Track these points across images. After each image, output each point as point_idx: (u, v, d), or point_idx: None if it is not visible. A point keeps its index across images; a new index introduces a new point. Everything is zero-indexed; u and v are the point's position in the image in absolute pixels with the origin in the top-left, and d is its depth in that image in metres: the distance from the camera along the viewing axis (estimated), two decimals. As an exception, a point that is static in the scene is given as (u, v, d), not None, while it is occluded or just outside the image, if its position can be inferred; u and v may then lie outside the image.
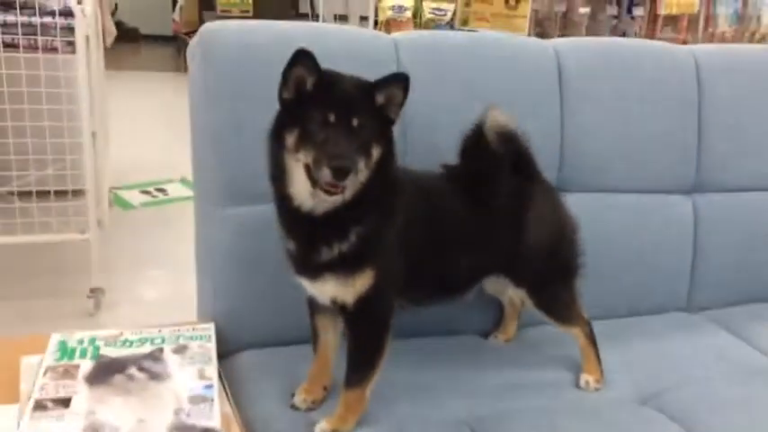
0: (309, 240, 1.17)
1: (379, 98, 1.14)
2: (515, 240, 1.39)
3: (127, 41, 6.98)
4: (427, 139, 1.54)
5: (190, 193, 3.74)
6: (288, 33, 1.46)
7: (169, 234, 3.38)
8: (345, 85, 1.14)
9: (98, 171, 2.69)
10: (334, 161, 1.04)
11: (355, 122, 1.09)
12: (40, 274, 2.73)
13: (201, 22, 6.82)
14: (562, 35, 5.02)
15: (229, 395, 1.21)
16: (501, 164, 1.38)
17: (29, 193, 2.47)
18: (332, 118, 1.09)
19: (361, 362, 1.24)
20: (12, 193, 2.56)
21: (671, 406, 1.43)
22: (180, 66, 7.62)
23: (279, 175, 1.15)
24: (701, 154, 1.84)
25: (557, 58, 1.69)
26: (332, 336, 1.32)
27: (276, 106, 1.41)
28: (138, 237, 3.33)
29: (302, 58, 1.12)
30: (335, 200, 1.09)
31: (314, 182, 1.08)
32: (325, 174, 1.05)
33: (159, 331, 1.32)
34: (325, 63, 1.44)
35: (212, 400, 1.13)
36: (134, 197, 3.78)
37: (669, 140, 1.80)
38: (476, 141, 1.37)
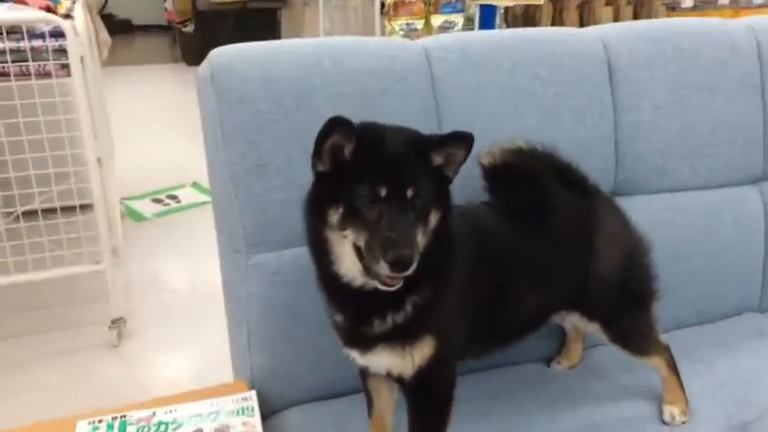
0: (360, 314, 1.02)
1: (437, 159, 0.98)
2: (583, 268, 1.23)
3: (120, 33, 6.79)
4: (469, 160, 1.37)
5: (203, 198, 3.69)
6: (308, 57, 1.28)
7: (186, 246, 3.25)
8: (392, 145, 0.96)
9: (107, 196, 2.54)
10: (392, 253, 0.88)
11: (410, 194, 0.93)
12: (56, 306, 2.60)
13: (195, 9, 6.69)
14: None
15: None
16: (544, 184, 1.22)
17: (36, 220, 2.31)
18: (383, 192, 0.92)
19: None
20: (18, 219, 2.40)
21: (766, 438, 1.29)
22: (177, 56, 7.44)
23: (321, 251, 0.99)
24: (768, 140, 1.67)
25: (605, 51, 1.51)
26: (387, 399, 1.19)
27: (302, 141, 1.27)
28: (154, 253, 3.20)
29: (337, 127, 0.95)
30: (393, 289, 0.93)
31: (367, 270, 0.92)
32: (383, 268, 0.89)
33: (196, 407, 1.17)
34: (352, 83, 1.30)
35: (265, 496, 0.99)
36: (146, 207, 3.64)
37: (733, 129, 1.62)
38: (500, 174, 1.23)
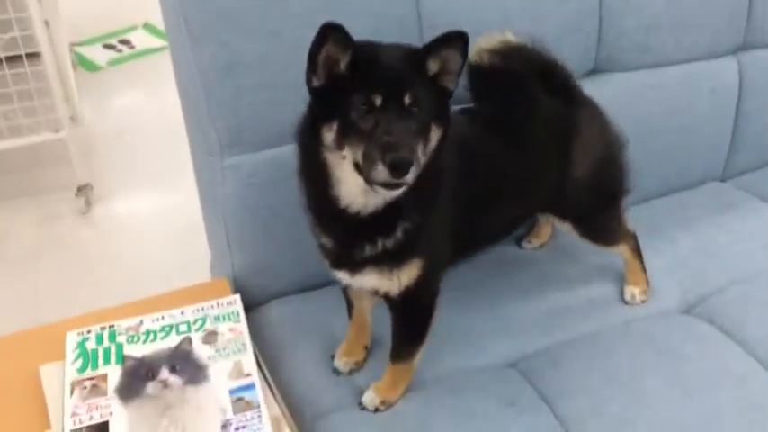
0: (351, 238, 1.02)
1: (432, 66, 0.92)
2: (562, 176, 1.23)
3: None
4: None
5: (158, 42, 3.50)
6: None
7: (147, 99, 3.13)
8: (387, 57, 0.91)
9: (56, 45, 2.36)
10: (390, 155, 0.84)
11: (407, 100, 0.88)
12: (19, 171, 2.51)
13: None
14: None
15: (273, 387, 1.13)
16: (528, 91, 1.19)
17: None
18: (378, 101, 0.87)
19: (408, 341, 1.15)
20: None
21: (721, 313, 1.39)
22: None
23: (318, 176, 0.96)
24: (753, 7, 1.62)
25: None
26: (367, 301, 1.22)
27: (275, 36, 1.20)
28: (113, 107, 3.07)
29: (331, 34, 0.88)
30: (397, 194, 0.91)
31: (368, 181, 0.89)
32: (381, 172, 0.85)
33: (182, 313, 1.20)
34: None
35: (258, 406, 1.05)
36: (98, 54, 3.43)
37: (719, -1, 1.56)
38: (486, 75, 1.17)
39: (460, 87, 1.22)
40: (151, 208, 2.52)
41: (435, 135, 0.93)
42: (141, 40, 3.56)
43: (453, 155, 1.04)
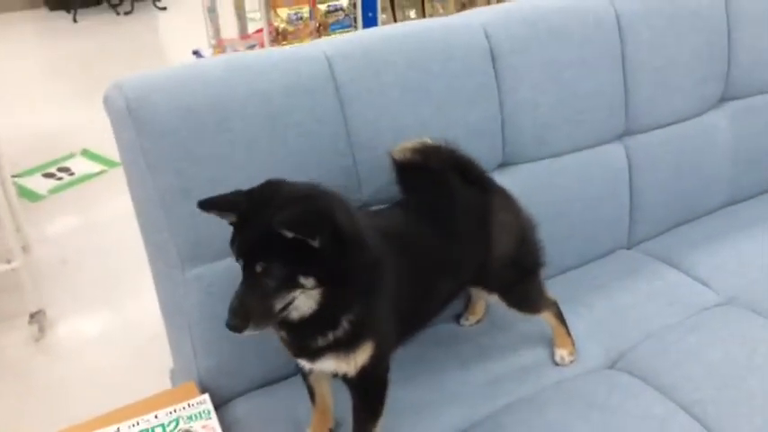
0: (301, 333, 1.17)
1: (288, 233, 1.02)
2: (485, 254, 1.42)
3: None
4: (377, 153, 1.51)
5: (98, 167, 3.64)
6: (221, 82, 1.36)
7: (89, 221, 3.23)
8: (251, 225, 1.07)
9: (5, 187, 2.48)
10: (228, 320, 1.05)
11: (258, 269, 1.05)
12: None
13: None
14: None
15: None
16: (446, 183, 1.39)
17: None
18: (241, 264, 1.07)
19: (367, 417, 1.28)
20: None
21: (638, 366, 1.56)
22: (36, 0, 6.91)
23: None
24: (629, 101, 1.90)
25: (487, 40, 1.66)
26: (326, 385, 1.35)
27: (224, 161, 1.37)
28: (58, 234, 3.16)
29: (203, 209, 1.11)
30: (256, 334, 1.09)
31: None
32: None
33: (156, 417, 1.30)
34: (265, 102, 1.39)
35: (237, 492, 1.15)
36: (39, 184, 3.54)
37: (600, 96, 1.83)
38: (409, 171, 1.38)
39: (389, 183, 1.44)
40: (104, 327, 2.58)
41: (310, 281, 1.05)
42: (80, 166, 3.70)
43: (391, 243, 1.22)
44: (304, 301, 1.09)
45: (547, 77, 1.73)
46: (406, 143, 1.38)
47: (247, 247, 1.07)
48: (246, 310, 1.05)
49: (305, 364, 1.23)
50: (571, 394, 1.48)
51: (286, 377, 1.53)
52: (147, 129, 1.31)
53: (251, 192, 1.10)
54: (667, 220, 2.07)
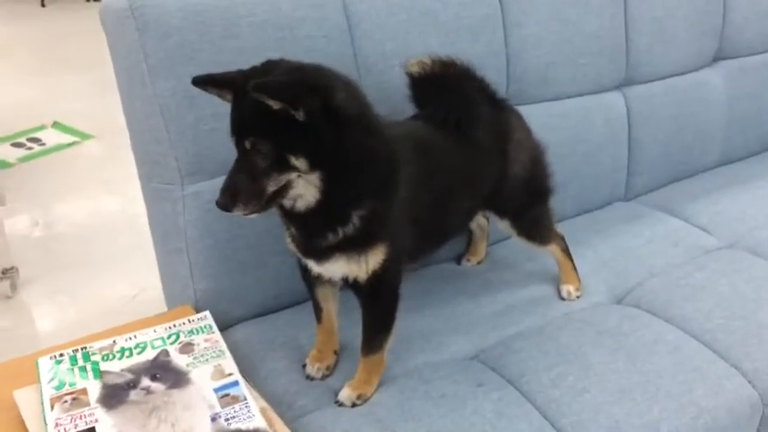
0: (311, 228, 1.11)
1: (275, 105, 0.96)
2: (502, 173, 1.38)
3: None
4: (383, 78, 1.47)
5: (69, 138, 3.53)
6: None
7: (61, 189, 3.11)
8: (245, 98, 0.99)
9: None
10: (217, 198, 1.01)
11: (248, 145, 1.00)
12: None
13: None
14: None
15: (253, 387, 1.16)
16: (463, 94, 1.35)
17: None
18: (234, 142, 1.03)
19: (377, 330, 1.22)
20: None
21: (646, 300, 1.54)
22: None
23: None
24: (629, 49, 1.89)
25: (495, -29, 1.63)
26: (333, 303, 1.29)
27: (230, 69, 1.30)
28: (29, 198, 3.03)
29: (200, 86, 1.06)
30: (253, 217, 1.04)
31: None
32: None
33: (154, 331, 1.22)
34: (274, 10, 1.34)
35: (245, 398, 1.08)
36: (8, 153, 3.40)
37: (601, 40, 1.82)
38: (424, 84, 1.33)
39: (404, 98, 1.39)
40: (76, 288, 2.47)
41: (301, 162, 1.00)
42: (51, 137, 3.58)
43: (407, 148, 1.17)
44: (305, 188, 1.03)
45: (551, 14, 1.71)
46: (423, 56, 1.34)
47: (237, 122, 1.01)
48: (236, 189, 1.00)
49: (313, 266, 1.16)
50: (581, 323, 1.44)
51: (286, 307, 1.46)
52: (150, 28, 1.24)
53: (250, 69, 1.04)
54: (664, 174, 2.07)
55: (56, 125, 3.67)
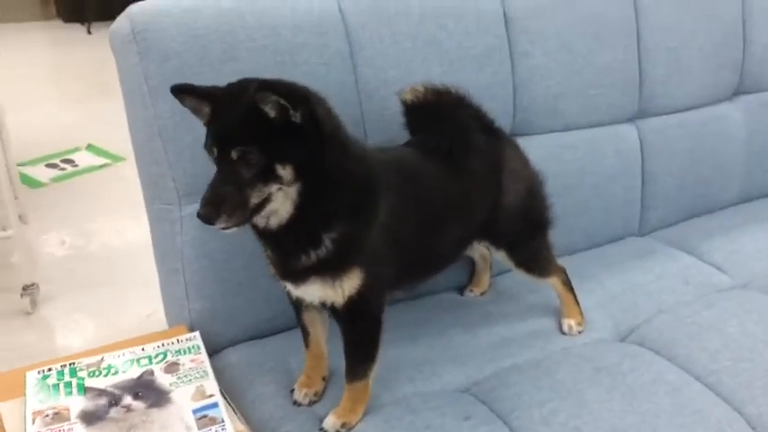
0: (284, 249, 1.11)
1: (270, 111, 0.98)
2: (495, 203, 1.37)
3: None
4: (384, 105, 1.47)
5: (101, 160, 3.61)
6: (230, 12, 1.33)
7: (91, 209, 3.19)
8: (227, 110, 1.02)
9: (7, 156, 2.46)
10: (199, 209, 1.01)
11: (234, 155, 1.00)
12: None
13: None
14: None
15: (235, 409, 1.16)
16: (457, 122, 1.34)
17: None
18: (215, 152, 1.02)
19: (360, 356, 1.21)
20: None
21: (651, 338, 1.50)
22: (49, 12, 7.00)
23: None
24: (642, 81, 1.87)
25: (501, 3, 1.63)
26: (321, 329, 1.28)
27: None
28: (57, 219, 3.11)
29: (177, 95, 1.07)
30: (232, 231, 1.04)
31: None
32: None
33: (143, 349, 1.23)
34: (273, 36, 1.36)
35: (222, 421, 1.08)
36: (41, 173, 3.50)
37: (613, 72, 1.80)
38: (419, 111, 1.34)
39: (396, 136, 1.39)
40: (98, 307, 2.51)
41: (287, 172, 1.00)
42: (84, 159, 3.67)
43: (394, 179, 1.17)
44: (282, 202, 1.03)
45: (560, 45, 1.71)
46: (417, 85, 1.35)
47: (223, 133, 1.02)
48: (219, 201, 1.00)
49: (291, 289, 1.16)
50: (580, 359, 1.41)
51: (279, 331, 1.46)
52: (151, 51, 1.28)
53: (227, 85, 1.05)
54: (681, 210, 2.02)
55: (89, 147, 3.78)
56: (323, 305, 1.16)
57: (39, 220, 3.03)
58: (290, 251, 1.10)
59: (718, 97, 2.05)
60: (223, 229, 1.02)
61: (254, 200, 1.01)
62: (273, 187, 1.01)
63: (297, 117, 0.98)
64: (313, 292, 1.14)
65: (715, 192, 2.08)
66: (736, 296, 1.64)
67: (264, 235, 1.10)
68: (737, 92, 2.10)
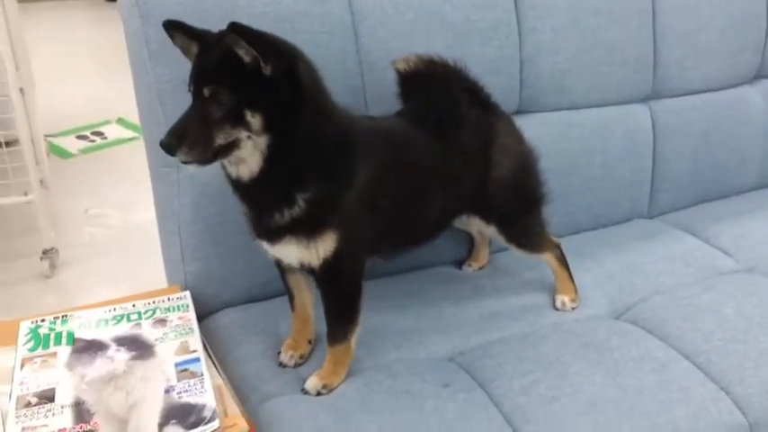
0: (258, 204, 1.13)
1: (246, 56, 1.00)
2: (483, 177, 1.37)
3: (32, -32, 6.50)
4: (386, 75, 1.47)
5: (130, 134, 3.69)
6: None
7: (116, 180, 3.26)
8: (209, 50, 1.04)
9: (32, 127, 2.53)
10: (162, 138, 1.02)
11: (206, 92, 1.02)
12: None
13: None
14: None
15: (217, 365, 1.19)
16: (450, 94, 1.35)
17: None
18: (191, 89, 1.05)
19: (340, 319, 1.22)
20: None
21: (644, 317, 1.48)
22: (97, -10, 7.15)
23: None
24: (657, 61, 1.83)
25: (510, -26, 1.62)
26: (307, 292, 1.30)
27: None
28: (83, 188, 3.19)
29: (169, 30, 1.09)
30: (192, 169, 1.08)
31: None
32: None
33: (133, 306, 1.27)
34: (273, 3, 1.38)
35: (202, 375, 1.11)
36: (71, 144, 3.60)
37: (625, 50, 1.77)
38: (412, 80, 1.34)
39: (390, 94, 1.40)
40: (117, 272, 2.57)
41: (256, 120, 1.02)
42: (113, 131, 3.76)
43: (377, 146, 1.18)
44: (251, 152, 1.05)
45: (570, 22, 1.68)
46: (412, 54, 1.35)
47: (200, 71, 1.04)
48: (183, 133, 1.02)
49: (267, 248, 1.18)
50: (568, 334, 1.40)
51: (274, 296, 1.48)
52: (151, 15, 1.31)
53: (219, 31, 1.06)
54: (692, 193, 1.98)
55: (120, 121, 3.86)
56: (302, 267, 1.17)
57: (64, 190, 3.12)
58: (263, 208, 1.12)
59: (737, 80, 2.00)
60: (184, 162, 1.04)
61: (219, 140, 1.02)
62: (243, 133, 1.03)
63: (267, 69, 0.99)
64: (289, 252, 1.15)
65: (731, 177, 2.04)
66: (738, 279, 1.61)
67: (238, 188, 1.12)
68: (759, 75, 2.05)
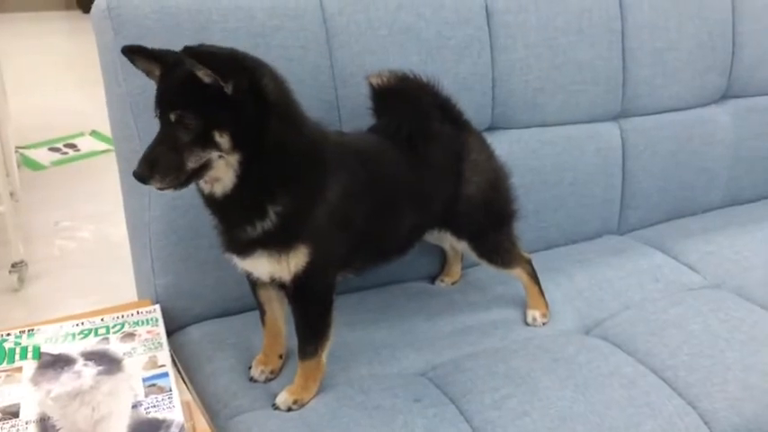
0: (229, 217, 1.13)
1: (205, 75, 0.99)
2: (455, 193, 1.38)
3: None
4: (360, 90, 1.48)
5: (103, 146, 3.66)
6: (203, -8, 1.35)
7: (88, 193, 3.23)
8: (171, 73, 1.03)
9: (2, 138, 2.50)
10: (135, 168, 1.02)
11: (173, 117, 1.02)
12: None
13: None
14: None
15: (186, 381, 1.18)
16: (422, 110, 1.36)
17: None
18: (158, 114, 1.04)
19: (311, 334, 1.22)
20: None
21: (613, 332, 1.50)
22: (71, 2, 7.11)
23: None
24: (626, 80, 1.87)
25: (483, -7, 1.65)
26: (277, 306, 1.29)
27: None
28: (54, 201, 3.16)
29: (129, 55, 1.07)
30: (168, 192, 1.07)
31: None
32: None
33: (102, 320, 1.26)
34: (247, 18, 1.38)
35: (170, 390, 1.09)
36: (43, 156, 3.56)
37: (596, 69, 1.80)
38: (384, 95, 1.35)
39: (364, 109, 1.41)
40: (85, 287, 2.54)
41: (225, 140, 1.02)
42: (86, 144, 3.73)
43: (350, 161, 1.19)
44: (224, 170, 1.05)
45: (542, 40, 1.71)
46: (385, 70, 1.36)
47: (164, 95, 1.04)
48: (154, 161, 1.02)
49: (237, 262, 1.18)
50: (539, 349, 1.41)
51: (246, 310, 1.48)
52: (124, 28, 1.30)
53: (182, 49, 1.06)
54: (661, 210, 2.02)
55: (93, 133, 3.83)
56: (273, 281, 1.17)
57: (35, 202, 3.08)
58: (235, 221, 1.12)
59: (705, 100, 2.05)
60: (159, 189, 1.04)
61: (191, 164, 1.03)
62: (214, 154, 1.03)
63: (228, 88, 0.99)
64: (260, 266, 1.15)
65: (699, 194, 2.08)
66: (705, 295, 1.64)
67: (211, 203, 1.12)
68: (726, 95, 2.10)
